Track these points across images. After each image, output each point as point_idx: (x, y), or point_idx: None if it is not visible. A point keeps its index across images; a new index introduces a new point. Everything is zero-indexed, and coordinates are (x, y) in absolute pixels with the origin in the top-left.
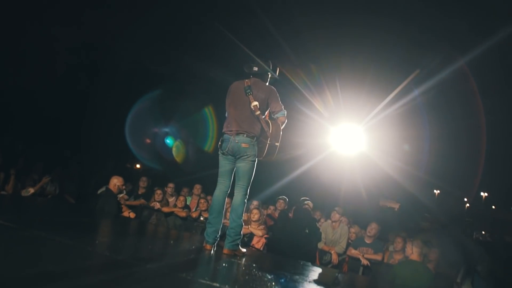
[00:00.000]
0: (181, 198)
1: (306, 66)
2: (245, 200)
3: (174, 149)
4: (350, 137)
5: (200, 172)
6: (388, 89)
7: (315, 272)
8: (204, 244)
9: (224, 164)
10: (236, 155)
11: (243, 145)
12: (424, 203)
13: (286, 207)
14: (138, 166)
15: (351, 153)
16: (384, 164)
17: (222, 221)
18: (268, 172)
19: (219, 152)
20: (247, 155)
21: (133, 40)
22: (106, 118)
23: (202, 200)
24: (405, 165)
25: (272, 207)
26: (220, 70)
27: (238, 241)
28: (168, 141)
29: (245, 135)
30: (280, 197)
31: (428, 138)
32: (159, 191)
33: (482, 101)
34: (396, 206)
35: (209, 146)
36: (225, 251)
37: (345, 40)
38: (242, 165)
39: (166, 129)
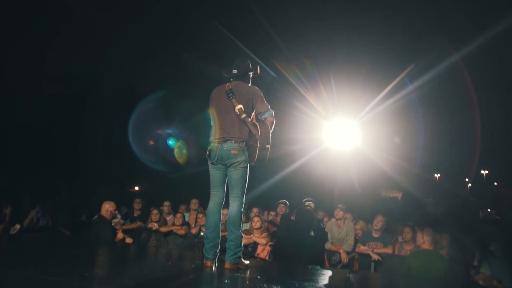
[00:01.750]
0: (179, 215)
1: (300, 61)
2: (242, 209)
3: (176, 150)
4: (345, 132)
5: (203, 166)
6: (383, 84)
7: (325, 275)
8: (204, 261)
9: (215, 174)
10: (226, 163)
11: (232, 151)
12: (425, 191)
13: (287, 210)
14: (136, 188)
15: (346, 148)
16: (379, 158)
17: (221, 234)
18: (261, 169)
19: (208, 163)
20: (237, 162)
21: (123, 43)
22: (97, 143)
23: (200, 215)
24: (404, 152)
25: (273, 213)
26: (219, 68)
27: (240, 253)
28: (171, 142)
29: (233, 141)
30: (280, 201)
31: (423, 125)
32: (155, 211)
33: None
34: (399, 195)
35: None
36: (227, 265)
37: (339, 35)
38: (234, 173)
39: (169, 130)
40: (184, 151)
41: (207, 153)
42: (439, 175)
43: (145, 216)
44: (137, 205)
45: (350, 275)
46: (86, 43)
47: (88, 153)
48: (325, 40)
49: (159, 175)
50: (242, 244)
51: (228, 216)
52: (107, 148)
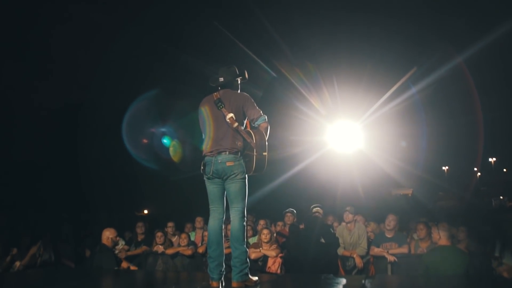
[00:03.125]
0: (183, 235)
1: (303, 64)
2: (244, 223)
3: (171, 149)
4: (348, 135)
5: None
6: (386, 86)
7: (339, 284)
8: (210, 282)
9: (212, 189)
10: (223, 177)
11: (228, 163)
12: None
13: (295, 219)
14: (146, 211)
15: (349, 150)
16: (382, 161)
17: (225, 251)
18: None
19: (204, 178)
20: (234, 173)
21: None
22: (100, 169)
23: (206, 233)
24: (407, 154)
25: (280, 223)
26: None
27: (246, 270)
28: (165, 141)
29: (227, 153)
30: (287, 210)
31: (426, 127)
32: (159, 233)
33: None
34: (409, 192)
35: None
36: (234, 284)
37: (342, 37)
38: (232, 186)
39: (163, 129)
40: (179, 150)
41: (202, 167)
42: (447, 167)
43: (149, 240)
44: (140, 229)
45: (366, 281)
46: (82, 50)
47: (92, 179)
48: (328, 43)
49: (167, 196)
50: (248, 259)
51: (231, 232)
52: (111, 173)
